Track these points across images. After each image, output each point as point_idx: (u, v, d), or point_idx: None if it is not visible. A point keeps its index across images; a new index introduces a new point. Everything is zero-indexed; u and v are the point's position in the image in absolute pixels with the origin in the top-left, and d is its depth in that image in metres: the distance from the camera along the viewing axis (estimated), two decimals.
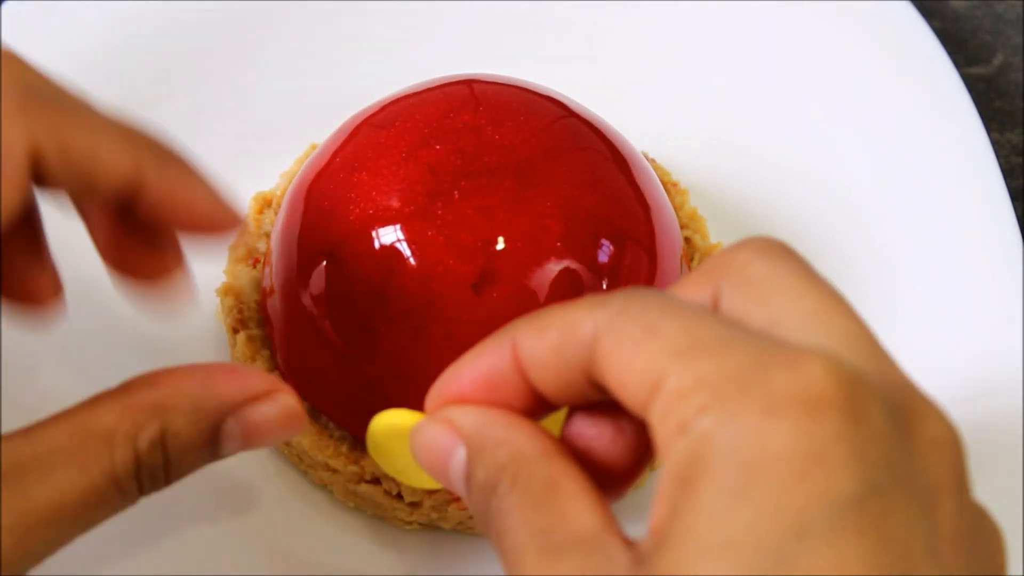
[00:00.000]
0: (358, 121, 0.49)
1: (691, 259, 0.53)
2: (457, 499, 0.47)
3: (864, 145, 0.58)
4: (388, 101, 0.49)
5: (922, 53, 0.58)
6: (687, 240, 0.53)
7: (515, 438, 0.34)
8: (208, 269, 0.54)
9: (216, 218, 0.39)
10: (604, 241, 0.46)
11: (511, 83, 0.49)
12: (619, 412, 0.34)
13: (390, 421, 0.39)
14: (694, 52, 0.60)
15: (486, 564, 0.49)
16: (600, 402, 0.34)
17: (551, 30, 0.61)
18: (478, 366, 0.35)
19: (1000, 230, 0.54)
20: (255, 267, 0.52)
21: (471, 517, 0.48)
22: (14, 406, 0.50)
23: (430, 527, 0.49)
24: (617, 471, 0.34)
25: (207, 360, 0.52)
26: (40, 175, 0.36)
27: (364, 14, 0.60)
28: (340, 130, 0.50)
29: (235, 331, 0.51)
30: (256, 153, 0.57)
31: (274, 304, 0.49)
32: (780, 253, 0.33)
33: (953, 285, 0.54)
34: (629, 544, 0.31)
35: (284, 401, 0.39)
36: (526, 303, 0.44)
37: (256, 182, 0.55)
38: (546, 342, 0.33)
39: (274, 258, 0.49)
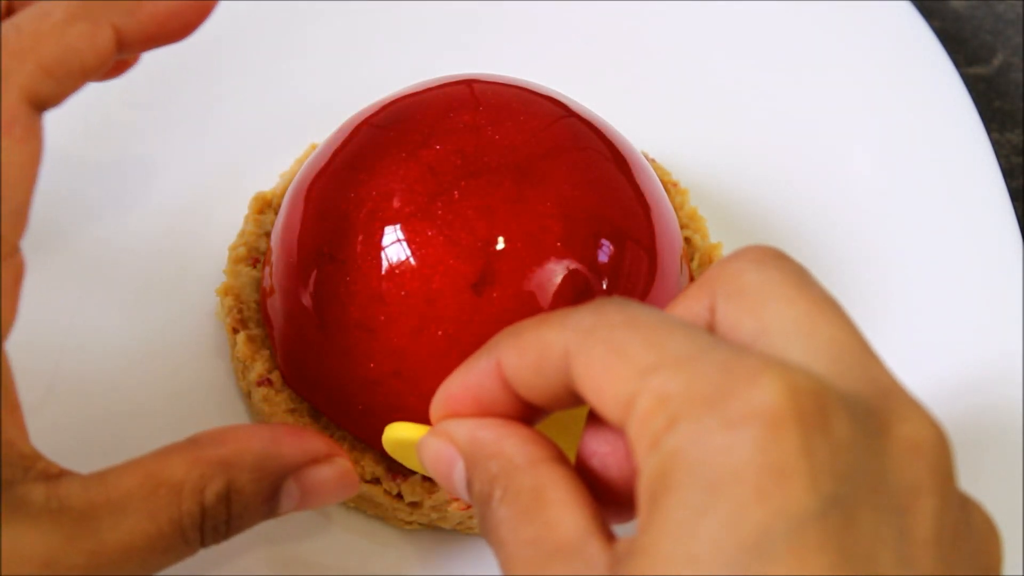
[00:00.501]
0: (358, 121, 0.49)
1: (691, 259, 0.53)
2: (457, 498, 0.47)
3: (864, 145, 0.58)
4: (388, 101, 0.49)
5: (922, 53, 0.58)
6: (687, 240, 0.53)
7: (504, 449, 0.35)
8: (208, 269, 0.54)
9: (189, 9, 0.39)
10: (604, 241, 0.46)
11: (511, 83, 0.49)
12: None
13: (397, 435, 0.41)
14: (694, 52, 0.60)
15: (486, 564, 0.49)
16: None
17: (551, 30, 0.61)
18: (467, 382, 0.36)
19: (1000, 230, 0.54)
20: (255, 267, 0.52)
21: (471, 517, 0.48)
22: None
23: (430, 527, 0.49)
24: (631, 487, 0.34)
25: (207, 359, 0.52)
26: (43, 108, 0.36)
27: (364, 14, 0.60)
28: (340, 130, 0.50)
29: (235, 331, 0.51)
30: (256, 153, 0.57)
31: (274, 304, 0.49)
32: (774, 261, 0.34)
33: (953, 285, 0.54)
34: (612, 544, 0.32)
35: (341, 465, 0.42)
36: (526, 303, 0.44)
37: (256, 182, 0.55)
38: (526, 361, 0.34)
39: (274, 258, 0.49)
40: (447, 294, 0.44)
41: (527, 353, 0.34)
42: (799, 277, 0.33)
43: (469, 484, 0.36)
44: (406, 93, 0.49)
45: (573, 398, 0.34)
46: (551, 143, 0.47)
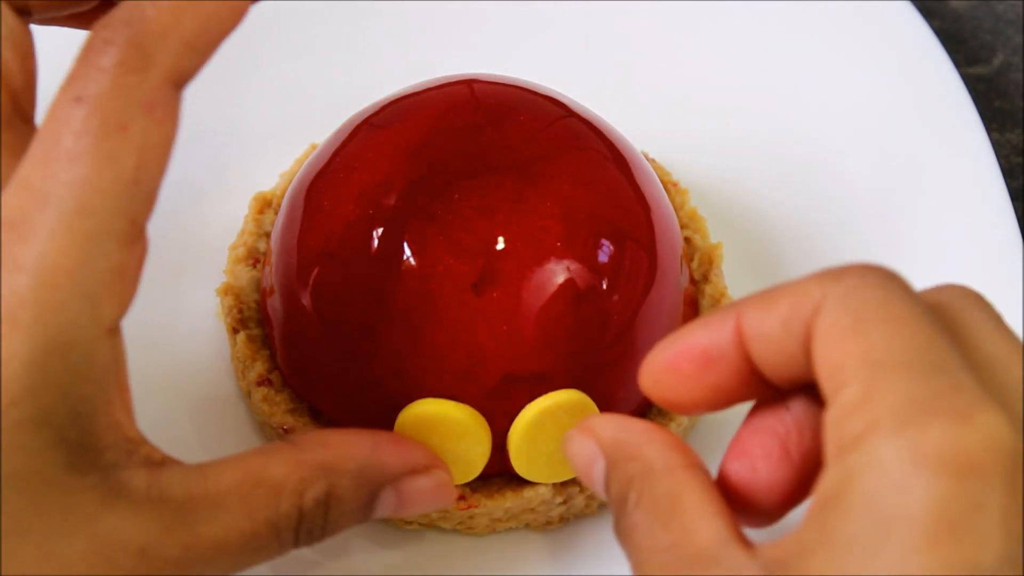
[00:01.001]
0: (358, 121, 0.49)
1: (691, 259, 0.53)
2: (459, 498, 0.47)
3: (864, 145, 0.58)
4: (388, 101, 0.49)
5: (922, 53, 0.58)
6: (687, 240, 0.53)
7: (645, 451, 0.35)
8: (208, 269, 0.54)
9: None
10: (604, 241, 0.46)
11: (511, 83, 0.49)
12: (788, 435, 0.34)
13: (421, 411, 0.42)
14: (694, 52, 0.60)
15: (485, 564, 0.49)
16: (769, 423, 0.34)
17: (551, 30, 0.61)
18: (698, 339, 0.35)
19: (1000, 230, 0.54)
20: (255, 267, 0.52)
21: (472, 517, 0.48)
22: None
23: (430, 527, 0.49)
24: (777, 494, 0.34)
25: (207, 359, 0.52)
26: (183, 84, 0.35)
27: (364, 14, 0.60)
28: (340, 130, 0.50)
29: (235, 331, 0.50)
30: (256, 153, 0.57)
31: (274, 304, 0.49)
32: (975, 302, 0.33)
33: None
34: (753, 551, 0.31)
35: (440, 477, 0.42)
36: (526, 303, 0.44)
37: (256, 182, 0.55)
38: (774, 313, 0.33)
39: (274, 258, 0.49)
40: (447, 294, 0.44)
41: (777, 304, 0.33)
42: (997, 318, 0.33)
43: (607, 484, 0.36)
44: (406, 93, 0.49)
45: (806, 366, 0.33)
46: (551, 143, 0.47)
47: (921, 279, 0.53)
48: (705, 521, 0.32)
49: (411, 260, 0.45)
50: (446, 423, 0.44)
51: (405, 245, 0.45)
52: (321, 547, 0.48)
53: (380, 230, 0.45)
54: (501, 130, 0.47)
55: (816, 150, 0.58)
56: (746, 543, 0.32)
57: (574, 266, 0.45)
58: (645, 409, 0.49)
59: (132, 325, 0.52)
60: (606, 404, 0.46)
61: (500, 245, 0.44)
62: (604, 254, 0.46)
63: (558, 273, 0.45)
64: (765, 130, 0.59)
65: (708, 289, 0.52)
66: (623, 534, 0.34)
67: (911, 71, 0.58)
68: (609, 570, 0.48)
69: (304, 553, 0.49)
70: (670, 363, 0.35)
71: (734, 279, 0.53)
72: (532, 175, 0.46)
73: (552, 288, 0.45)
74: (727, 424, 0.50)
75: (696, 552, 0.32)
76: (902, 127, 0.57)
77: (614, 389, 0.46)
